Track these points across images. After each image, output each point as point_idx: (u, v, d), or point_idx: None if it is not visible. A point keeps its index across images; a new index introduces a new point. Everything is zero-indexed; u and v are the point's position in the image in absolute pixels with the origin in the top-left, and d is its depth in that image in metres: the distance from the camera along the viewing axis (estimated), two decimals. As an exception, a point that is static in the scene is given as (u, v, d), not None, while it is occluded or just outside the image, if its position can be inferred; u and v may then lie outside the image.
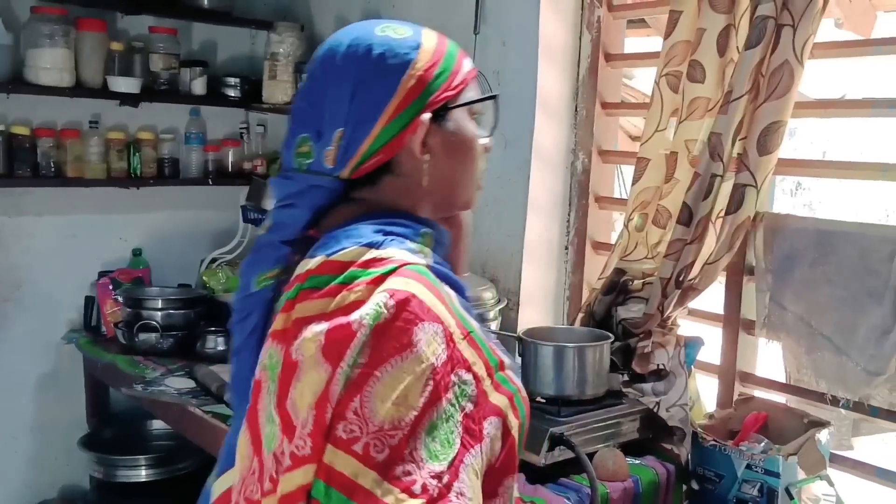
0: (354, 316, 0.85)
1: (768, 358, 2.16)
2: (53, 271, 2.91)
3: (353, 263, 0.89)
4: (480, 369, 0.92)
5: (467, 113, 1.03)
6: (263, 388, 0.92)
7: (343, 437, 0.83)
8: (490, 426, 0.92)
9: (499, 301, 2.23)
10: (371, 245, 0.91)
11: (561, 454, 1.77)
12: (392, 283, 0.88)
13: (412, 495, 0.82)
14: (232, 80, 3.04)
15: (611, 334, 1.97)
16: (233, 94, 3.05)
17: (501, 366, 0.97)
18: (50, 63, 2.68)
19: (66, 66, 2.71)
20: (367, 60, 0.97)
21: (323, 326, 0.86)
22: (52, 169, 2.79)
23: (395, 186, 1.00)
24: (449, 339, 0.88)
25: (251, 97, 3.05)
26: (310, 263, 0.91)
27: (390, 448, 0.83)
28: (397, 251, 0.92)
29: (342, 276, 0.89)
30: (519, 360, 1.96)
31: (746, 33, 1.88)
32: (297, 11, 3.17)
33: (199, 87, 2.96)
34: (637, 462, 1.89)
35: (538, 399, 1.91)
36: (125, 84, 2.79)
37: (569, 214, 2.36)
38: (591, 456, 1.76)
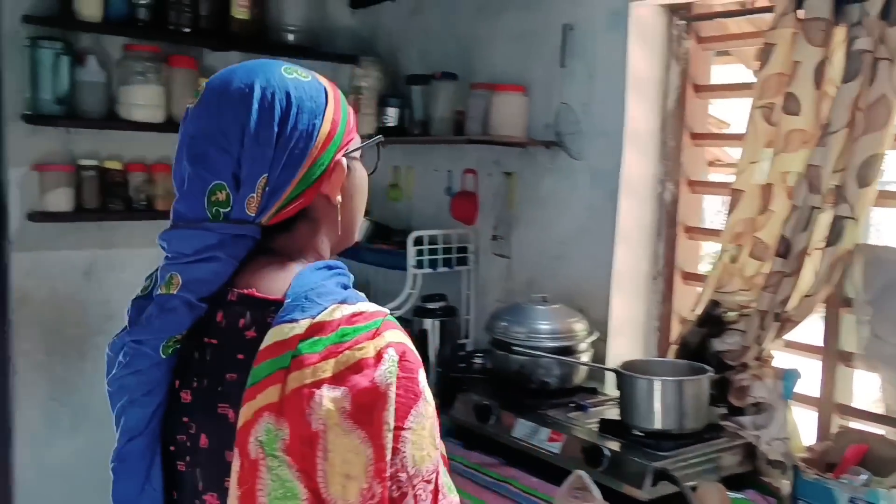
0: (378, 379, 0.85)
1: (866, 389, 2.14)
2: (144, 301, 2.99)
3: (336, 321, 0.88)
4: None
5: (357, 155, 1.05)
6: (262, 466, 0.84)
7: (395, 497, 0.86)
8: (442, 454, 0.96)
9: (590, 333, 2.24)
10: (344, 301, 0.90)
11: (663, 489, 1.77)
12: (388, 337, 0.89)
13: None
14: (313, 114, 3.10)
15: (710, 368, 1.96)
16: (314, 127, 3.11)
17: None
18: (142, 100, 2.78)
19: (159, 102, 2.81)
20: (286, 105, 0.95)
21: (342, 392, 0.84)
22: (143, 203, 2.89)
23: (308, 231, 1.00)
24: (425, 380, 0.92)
25: (332, 130, 3.11)
26: (295, 328, 0.87)
27: (431, 492, 0.88)
28: (363, 303, 0.92)
29: (333, 336, 0.86)
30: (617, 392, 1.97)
31: (842, 66, 1.88)
32: (378, 46, 3.23)
33: (283, 120, 3.03)
34: (739, 496, 1.88)
35: (635, 432, 1.92)
36: (214, 119, 2.87)
37: (657, 245, 2.37)
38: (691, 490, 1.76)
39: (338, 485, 0.84)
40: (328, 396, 0.83)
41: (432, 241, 2.74)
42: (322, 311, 0.88)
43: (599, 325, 2.33)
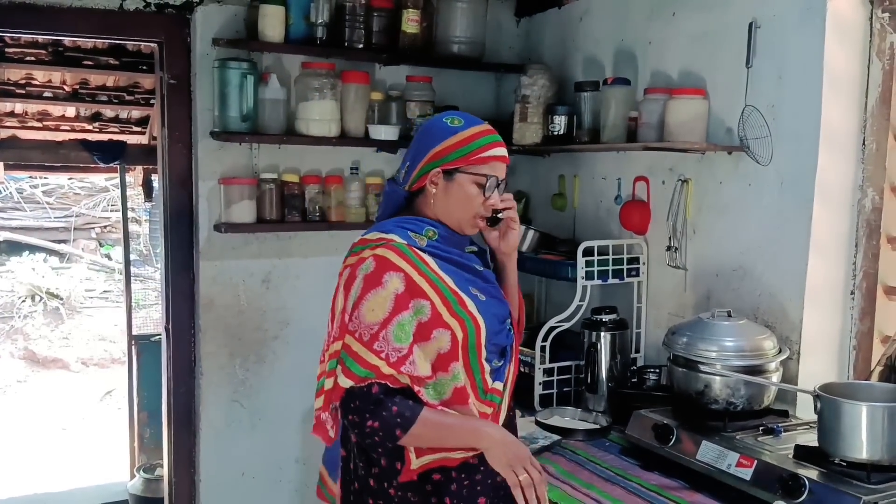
0: (358, 271, 1.63)
1: None
2: (317, 310, 3.07)
3: (369, 240, 1.70)
4: (436, 300, 1.65)
5: (471, 177, 1.71)
6: (338, 292, 1.71)
7: (351, 329, 1.62)
8: (438, 333, 1.64)
9: (780, 351, 2.09)
10: (383, 230, 1.70)
11: (873, 525, 1.61)
12: (377, 251, 1.65)
13: (379, 358, 1.59)
14: (480, 124, 3.09)
15: (925, 393, 1.78)
16: (481, 137, 3.09)
17: (461, 302, 1.67)
18: (318, 115, 2.87)
19: (334, 116, 2.89)
20: (425, 131, 1.76)
21: (348, 272, 1.67)
22: (318, 214, 2.98)
23: (424, 201, 1.76)
24: (408, 281, 1.63)
25: (498, 139, 3.09)
26: (356, 240, 1.74)
27: (370, 335, 1.60)
28: (397, 236, 1.68)
29: (365, 246, 1.69)
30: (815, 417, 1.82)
31: None
32: (544, 54, 3.19)
33: (450, 131, 3.04)
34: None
35: (837, 461, 1.76)
36: (385, 132, 2.93)
37: (855, 256, 2.18)
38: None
39: (338, 310, 1.67)
40: (346, 274, 1.68)
41: (602, 251, 2.66)
42: (368, 233, 1.72)
43: (788, 343, 2.16)
